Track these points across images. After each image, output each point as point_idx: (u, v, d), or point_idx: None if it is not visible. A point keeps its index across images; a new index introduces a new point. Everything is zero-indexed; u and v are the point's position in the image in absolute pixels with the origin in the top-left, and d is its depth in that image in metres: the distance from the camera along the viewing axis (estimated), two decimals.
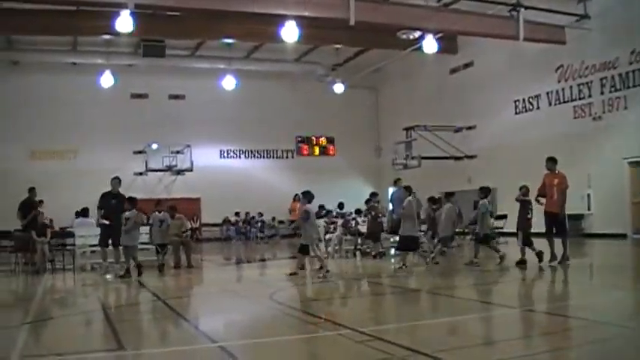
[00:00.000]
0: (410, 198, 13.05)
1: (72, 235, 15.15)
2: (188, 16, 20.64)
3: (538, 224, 12.54)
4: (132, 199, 13.19)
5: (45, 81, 26.45)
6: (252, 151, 31.35)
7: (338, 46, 26.75)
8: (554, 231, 12.27)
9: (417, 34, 20.61)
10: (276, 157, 31.81)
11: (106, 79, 25.47)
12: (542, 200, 12.41)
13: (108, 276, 13.00)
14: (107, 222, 13.21)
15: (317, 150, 32.58)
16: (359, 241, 17.31)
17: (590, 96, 20.37)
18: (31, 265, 14.38)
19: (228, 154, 30.97)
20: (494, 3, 19.10)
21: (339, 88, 28.49)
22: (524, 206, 12.56)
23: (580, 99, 20.76)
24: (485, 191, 13.46)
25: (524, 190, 12.68)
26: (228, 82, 27.11)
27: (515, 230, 12.90)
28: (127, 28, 16.31)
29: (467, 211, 17.40)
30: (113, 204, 13.28)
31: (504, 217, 18.72)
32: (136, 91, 28.70)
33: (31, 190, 15.24)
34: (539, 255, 12.20)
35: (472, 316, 7.65)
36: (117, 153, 26.97)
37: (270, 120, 30.21)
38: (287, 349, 6.30)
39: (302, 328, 7.55)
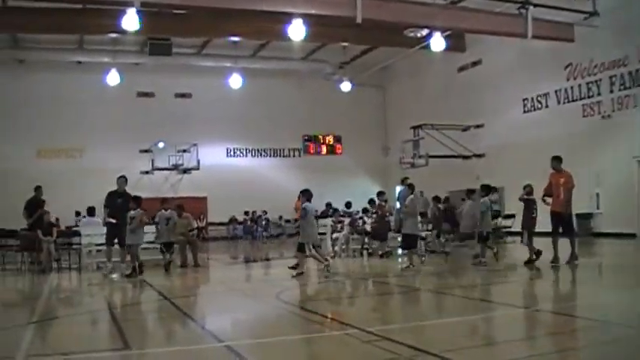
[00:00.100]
0: (412, 196, 12.96)
1: (78, 234, 15.13)
2: (194, 14, 20.62)
3: (544, 223, 12.41)
4: (136, 198, 13.13)
5: (51, 79, 26.50)
6: (258, 150, 31.33)
7: (345, 44, 26.68)
8: (560, 231, 12.15)
9: (425, 31, 20.52)
10: (283, 156, 31.78)
11: (112, 78, 25.51)
12: (549, 200, 12.27)
13: (114, 275, 12.96)
14: (114, 221, 13.17)
15: (324, 149, 32.54)
16: (366, 240, 17.23)
17: (599, 94, 20.21)
18: (37, 264, 14.36)
19: (234, 152, 30.97)
20: (502, 0, 18.94)
21: (346, 86, 28.41)
22: (529, 205, 12.48)
23: (589, 97, 20.59)
24: (486, 189, 13.42)
25: (528, 189, 12.59)
26: (235, 81, 27.09)
27: (520, 229, 12.80)
28: (134, 26, 16.26)
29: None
30: (119, 203, 13.23)
31: (512, 216, 18.56)
32: (142, 90, 28.74)
33: (38, 188, 15.21)
34: (538, 254, 12.17)
35: (479, 316, 7.61)
36: (123, 152, 27.00)
37: (276, 118, 30.17)
38: (293, 349, 6.27)
39: (308, 327, 7.48)
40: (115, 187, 13.64)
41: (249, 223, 29.01)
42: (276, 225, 29.41)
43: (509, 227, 18.14)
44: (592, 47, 20.07)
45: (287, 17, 17.26)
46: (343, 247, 16.78)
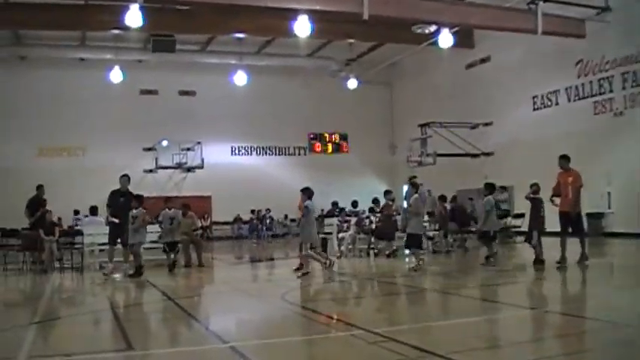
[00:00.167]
0: (416, 195, 12.70)
1: (81, 233, 14.96)
2: (198, 10, 20.44)
3: (552, 223, 12.14)
4: (138, 197, 12.97)
5: (52, 76, 26.37)
6: (263, 148, 31.15)
7: (351, 40, 26.38)
8: (570, 231, 11.93)
9: (433, 28, 20.32)
10: (288, 154, 31.59)
11: (115, 75, 25.32)
12: (557, 202, 12.05)
13: (115, 275, 12.79)
14: (116, 220, 12.97)
15: (330, 147, 32.35)
16: (372, 239, 16.99)
17: (611, 91, 19.91)
18: (39, 264, 14.22)
19: (239, 151, 30.79)
20: None
21: (352, 83, 28.15)
22: (535, 204, 12.22)
23: (600, 94, 20.29)
24: (490, 188, 13.25)
25: (535, 188, 12.34)
26: (240, 78, 26.85)
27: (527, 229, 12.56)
28: (137, 22, 16.18)
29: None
30: (122, 202, 13.04)
31: (522, 215, 18.26)
32: (145, 87, 28.60)
33: (39, 187, 15.06)
34: (538, 258, 11.95)
35: (487, 317, 7.55)
36: (126, 150, 26.87)
37: (281, 116, 29.98)
38: (299, 350, 6.26)
39: (314, 328, 7.44)
40: (118, 186, 13.45)
41: (255, 222, 28.77)
42: (282, 224, 29.19)
43: (519, 227, 17.88)
44: (604, 43, 19.79)
45: (292, 13, 17.16)
46: (350, 246, 16.58)
